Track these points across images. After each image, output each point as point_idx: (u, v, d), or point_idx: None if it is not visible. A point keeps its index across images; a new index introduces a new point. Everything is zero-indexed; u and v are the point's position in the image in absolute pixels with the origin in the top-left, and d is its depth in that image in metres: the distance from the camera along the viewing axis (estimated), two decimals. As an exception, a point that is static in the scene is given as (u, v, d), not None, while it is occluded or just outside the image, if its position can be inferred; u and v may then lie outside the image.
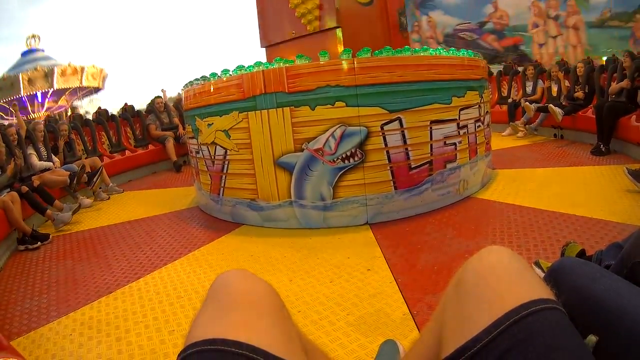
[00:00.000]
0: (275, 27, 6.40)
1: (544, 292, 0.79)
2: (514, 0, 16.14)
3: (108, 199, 6.36)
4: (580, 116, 6.86)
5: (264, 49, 6.73)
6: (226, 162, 4.26)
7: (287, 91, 3.75)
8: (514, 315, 0.73)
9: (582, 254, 2.40)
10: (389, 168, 3.84)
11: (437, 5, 18.15)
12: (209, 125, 4.31)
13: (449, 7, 17.92)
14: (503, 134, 8.24)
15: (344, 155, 3.75)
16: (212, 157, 4.40)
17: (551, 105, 7.13)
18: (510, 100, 8.71)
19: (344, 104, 3.69)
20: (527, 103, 7.64)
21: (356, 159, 3.75)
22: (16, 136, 5.94)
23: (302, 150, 3.79)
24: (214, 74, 4.40)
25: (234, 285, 0.90)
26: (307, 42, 5.93)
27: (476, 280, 0.87)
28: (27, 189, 4.92)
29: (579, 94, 7.15)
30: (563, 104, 7.29)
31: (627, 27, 14.13)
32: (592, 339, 0.88)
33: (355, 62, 3.72)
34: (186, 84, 4.92)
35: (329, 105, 3.70)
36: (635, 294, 0.96)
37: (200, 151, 4.60)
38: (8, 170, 5.19)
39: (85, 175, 6.17)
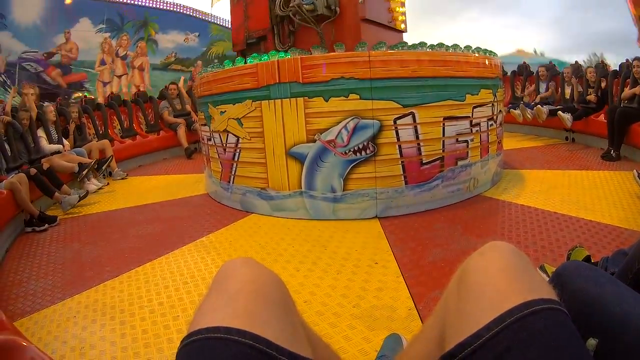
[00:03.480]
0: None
1: (546, 291, 0.79)
2: (86, 34, 15.14)
3: (107, 184, 6.40)
4: (592, 120, 6.81)
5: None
6: (238, 150, 4.27)
7: (301, 81, 3.76)
8: (516, 313, 0.73)
9: (587, 259, 2.38)
10: (400, 162, 3.84)
11: (9, 25, 13.54)
12: (222, 112, 4.32)
13: (20, 29, 13.81)
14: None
15: (356, 148, 3.75)
16: (224, 145, 4.41)
17: (560, 112, 7.09)
18: (523, 102, 8.65)
19: (357, 96, 3.69)
20: (539, 106, 7.57)
21: (368, 152, 3.76)
22: (27, 121, 5.96)
23: (314, 141, 3.80)
24: (228, 62, 4.41)
25: (240, 274, 0.90)
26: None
27: (479, 276, 0.87)
28: (36, 171, 4.95)
29: (592, 97, 7.10)
30: (576, 107, 7.25)
31: (188, 70, 16.86)
32: (592, 342, 0.89)
33: (370, 55, 3.72)
34: (201, 71, 4.93)
35: (343, 97, 3.70)
36: (639, 301, 0.96)
37: (212, 138, 4.62)
38: None
39: (96, 164, 6.23)
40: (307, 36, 5.42)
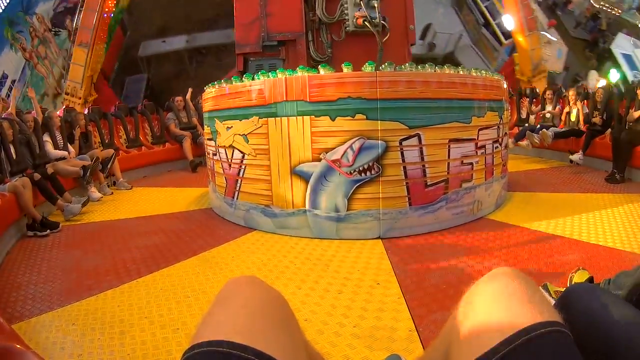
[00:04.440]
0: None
1: (552, 314, 0.80)
2: None
3: (111, 193, 6.41)
4: (597, 142, 6.80)
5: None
6: (243, 167, 4.28)
7: (308, 100, 3.77)
8: (523, 336, 0.74)
9: (590, 282, 2.39)
10: (405, 184, 3.84)
11: None
12: (228, 128, 4.34)
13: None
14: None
15: (361, 168, 3.75)
16: (229, 161, 4.42)
17: (544, 129, 7.25)
18: (527, 124, 8.66)
19: (364, 116, 3.70)
20: (544, 130, 7.58)
21: (373, 172, 3.76)
22: (32, 123, 5.98)
23: (319, 160, 3.80)
24: (236, 77, 4.44)
25: (244, 291, 0.91)
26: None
27: (486, 300, 0.88)
28: (40, 176, 4.97)
29: (597, 119, 7.10)
30: (581, 129, 7.26)
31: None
32: None
33: (377, 75, 3.73)
34: (208, 85, 4.96)
35: (350, 117, 3.71)
36: None
37: (218, 153, 4.63)
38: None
39: (99, 164, 6.25)
40: (346, 48, 5.41)
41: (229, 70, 12.51)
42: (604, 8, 17.46)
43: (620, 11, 17.70)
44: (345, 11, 5.16)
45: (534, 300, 0.84)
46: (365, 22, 5.04)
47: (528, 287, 0.88)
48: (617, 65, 16.54)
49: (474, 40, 16.06)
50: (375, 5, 5.08)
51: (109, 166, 6.63)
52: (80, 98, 11.24)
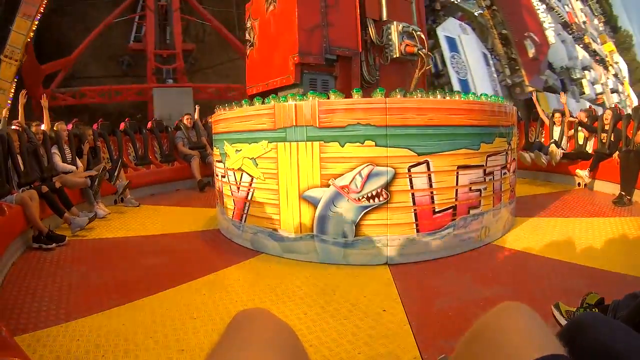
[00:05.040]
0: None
1: (556, 348, 0.81)
2: None
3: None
4: (605, 165, 6.80)
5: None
6: (251, 190, 4.30)
7: (318, 126, 3.80)
8: None
9: (600, 302, 2.39)
10: (412, 210, 3.84)
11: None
12: (237, 151, 4.37)
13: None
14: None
15: (369, 195, 3.76)
16: (238, 183, 4.44)
17: (553, 146, 7.22)
18: (536, 141, 8.69)
19: (373, 143, 3.72)
20: (553, 146, 7.60)
21: (381, 199, 3.77)
22: (41, 135, 6.03)
23: (328, 185, 3.81)
24: (246, 101, 4.47)
25: (252, 323, 0.92)
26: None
27: (492, 335, 0.89)
28: (47, 188, 5.00)
29: (604, 135, 7.14)
30: (590, 152, 7.27)
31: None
32: None
33: (387, 102, 3.76)
34: (218, 107, 5.00)
35: (359, 144, 3.73)
36: None
37: (227, 176, 4.66)
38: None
39: (107, 173, 6.29)
40: (386, 74, 5.46)
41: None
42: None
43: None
44: (390, 37, 5.18)
45: (541, 336, 0.85)
46: (419, 52, 5.10)
47: (534, 323, 0.89)
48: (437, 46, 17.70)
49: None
50: (420, 35, 5.17)
51: (115, 174, 6.66)
52: (17, 60, 14.12)
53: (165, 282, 3.50)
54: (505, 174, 4.55)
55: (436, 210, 3.91)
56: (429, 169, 3.83)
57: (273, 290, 3.38)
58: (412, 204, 3.83)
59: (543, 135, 8.89)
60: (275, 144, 3.99)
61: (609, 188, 6.58)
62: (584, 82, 26.88)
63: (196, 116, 9.53)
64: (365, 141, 3.72)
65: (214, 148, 5.23)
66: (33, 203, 4.51)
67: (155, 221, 5.87)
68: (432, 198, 3.89)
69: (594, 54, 29.30)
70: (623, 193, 5.80)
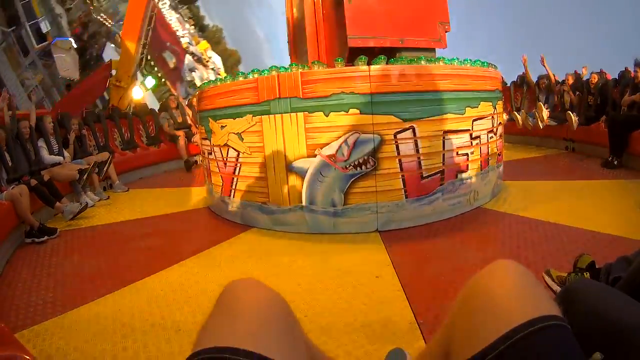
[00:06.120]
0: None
1: (551, 308, 0.80)
2: None
3: (107, 198, 6.32)
4: (593, 129, 6.82)
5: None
6: (238, 165, 4.28)
7: (301, 96, 3.77)
8: (522, 331, 0.74)
9: (592, 265, 2.40)
10: (400, 176, 3.84)
11: None
12: (222, 127, 4.33)
13: None
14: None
15: (356, 162, 3.76)
16: (225, 159, 4.42)
17: (569, 111, 7.12)
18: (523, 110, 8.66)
19: (358, 111, 3.70)
20: (540, 103, 7.56)
21: (368, 166, 3.76)
22: (28, 129, 5.95)
23: (314, 155, 3.80)
24: (228, 76, 4.43)
25: (243, 294, 0.91)
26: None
27: (485, 294, 0.88)
28: (37, 182, 4.95)
29: (591, 97, 7.15)
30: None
31: None
32: (597, 356, 0.90)
33: (370, 70, 3.73)
34: (201, 85, 4.95)
35: (343, 112, 3.71)
36: None
37: (213, 152, 4.63)
38: None
39: (96, 168, 6.22)
40: None
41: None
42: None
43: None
44: None
45: (534, 295, 0.85)
46: None
47: (527, 281, 0.88)
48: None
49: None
50: None
51: (105, 169, 6.60)
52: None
53: (158, 263, 3.48)
54: (491, 137, 4.55)
55: (424, 175, 3.92)
56: (414, 134, 3.81)
57: (265, 263, 3.39)
58: (399, 170, 3.83)
59: (527, 101, 8.91)
60: (260, 117, 3.96)
61: (598, 151, 6.60)
62: (197, 82, 30.89)
63: (177, 94, 9.47)
64: (350, 109, 3.70)
65: (199, 126, 5.18)
66: (23, 198, 4.45)
67: (144, 204, 5.85)
68: (420, 163, 3.89)
69: (193, 55, 34.96)
70: (612, 156, 5.82)
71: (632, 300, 1.06)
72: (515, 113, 7.99)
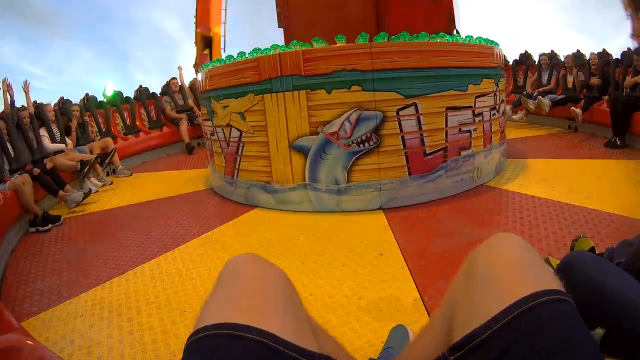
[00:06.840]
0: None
1: (553, 282, 0.80)
2: None
3: (111, 183, 6.33)
4: (596, 109, 6.77)
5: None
6: (241, 145, 4.27)
7: (303, 74, 3.75)
8: (524, 305, 0.74)
9: (592, 250, 2.38)
10: (403, 153, 3.84)
11: None
12: (225, 107, 4.32)
13: None
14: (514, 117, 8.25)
15: (359, 140, 3.75)
16: (227, 139, 4.42)
17: (540, 96, 7.28)
18: (525, 92, 8.60)
19: (360, 88, 3.68)
20: (540, 97, 7.56)
21: (371, 143, 3.76)
22: (28, 119, 5.93)
23: (317, 133, 3.80)
24: (230, 57, 4.41)
25: (244, 270, 0.92)
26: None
27: (486, 267, 0.88)
28: (39, 171, 4.95)
29: (595, 80, 7.08)
30: (579, 96, 7.24)
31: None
32: (599, 331, 0.90)
33: (371, 47, 3.71)
34: (203, 66, 4.93)
35: (345, 89, 3.70)
36: None
37: (215, 133, 4.63)
38: None
39: (98, 159, 6.22)
40: None
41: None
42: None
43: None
44: None
45: (535, 268, 0.84)
46: None
47: (529, 254, 0.88)
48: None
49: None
50: None
51: (107, 161, 6.58)
52: None
53: (163, 246, 3.50)
54: (494, 115, 4.53)
55: (427, 152, 3.91)
56: (417, 111, 3.81)
57: (270, 242, 3.39)
58: (402, 147, 3.83)
59: (530, 79, 8.87)
60: (262, 95, 3.95)
61: (601, 131, 6.56)
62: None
63: (180, 77, 9.41)
64: (352, 86, 3.68)
65: (202, 107, 5.17)
66: (26, 188, 4.45)
67: (148, 188, 5.86)
68: (422, 140, 3.88)
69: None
70: (615, 136, 5.80)
71: (629, 276, 1.06)
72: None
